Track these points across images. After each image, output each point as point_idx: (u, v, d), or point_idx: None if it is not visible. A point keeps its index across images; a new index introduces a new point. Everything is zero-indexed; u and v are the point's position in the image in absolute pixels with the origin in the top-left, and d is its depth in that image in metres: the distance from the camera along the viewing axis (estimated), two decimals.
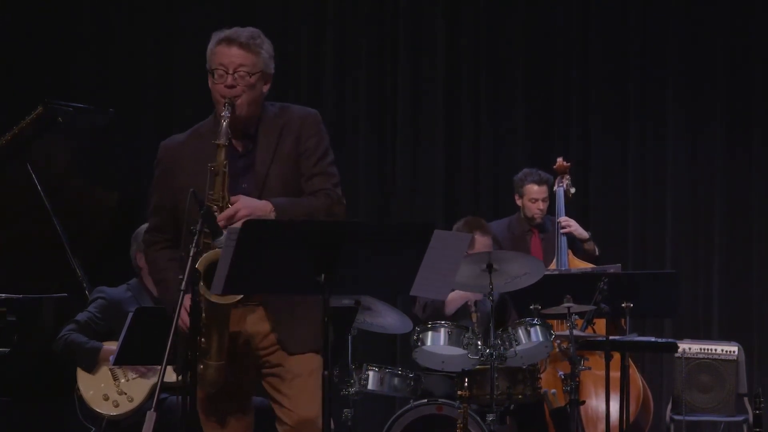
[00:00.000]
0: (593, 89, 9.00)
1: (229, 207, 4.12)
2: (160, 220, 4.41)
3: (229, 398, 4.31)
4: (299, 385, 4.25)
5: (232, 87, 4.24)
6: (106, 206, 7.29)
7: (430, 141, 9.11)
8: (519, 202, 7.75)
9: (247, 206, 4.12)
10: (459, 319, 6.82)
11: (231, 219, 4.08)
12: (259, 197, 4.21)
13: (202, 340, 4.12)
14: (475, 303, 6.93)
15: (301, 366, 4.26)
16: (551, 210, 7.67)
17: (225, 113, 4.19)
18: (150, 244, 4.45)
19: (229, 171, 4.19)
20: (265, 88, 4.34)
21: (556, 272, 7.08)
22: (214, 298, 4.03)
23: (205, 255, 4.06)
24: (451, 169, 9.10)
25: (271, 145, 4.30)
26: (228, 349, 4.17)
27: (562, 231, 7.45)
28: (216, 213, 4.11)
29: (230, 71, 4.24)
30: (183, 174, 4.29)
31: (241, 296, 4.11)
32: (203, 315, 4.07)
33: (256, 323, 4.26)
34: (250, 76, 4.25)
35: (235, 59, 4.25)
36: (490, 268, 6.25)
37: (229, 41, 4.27)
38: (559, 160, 7.74)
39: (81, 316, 6.28)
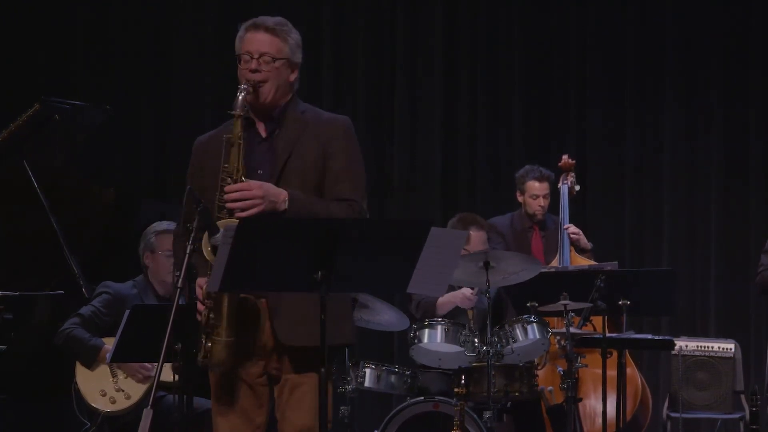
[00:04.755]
0: (590, 85, 9.01)
1: (243, 181, 4.12)
2: None
3: (238, 386, 4.28)
4: (298, 393, 4.24)
5: (255, 71, 4.24)
6: (103, 203, 7.28)
7: (428, 138, 9.11)
8: (520, 199, 7.73)
9: (262, 186, 4.11)
10: (455, 317, 6.82)
11: (242, 192, 4.06)
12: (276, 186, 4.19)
13: (211, 316, 4.10)
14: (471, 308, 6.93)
15: (303, 377, 4.24)
16: (555, 207, 7.65)
17: (244, 86, 4.20)
18: (179, 235, 4.36)
19: (249, 155, 4.20)
20: (292, 77, 4.31)
21: (553, 270, 7.08)
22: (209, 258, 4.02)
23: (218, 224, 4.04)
24: (448, 166, 9.10)
25: (293, 136, 4.27)
26: (237, 329, 4.14)
27: (569, 236, 7.42)
28: (229, 183, 4.10)
29: (255, 56, 4.25)
30: (208, 166, 4.27)
31: None
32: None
33: (257, 316, 4.23)
34: (275, 61, 4.25)
35: (260, 45, 4.26)
36: (486, 265, 6.27)
37: (255, 27, 4.30)
38: (564, 157, 7.71)
39: (85, 310, 6.27)
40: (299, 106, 4.35)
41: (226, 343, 4.12)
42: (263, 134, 4.31)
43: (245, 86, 4.21)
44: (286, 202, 4.12)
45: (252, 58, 4.25)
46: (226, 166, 4.14)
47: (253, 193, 4.08)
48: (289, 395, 4.26)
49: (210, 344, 4.11)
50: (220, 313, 4.11)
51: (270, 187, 4.13)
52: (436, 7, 9.14)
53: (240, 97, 4.18)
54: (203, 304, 4.11)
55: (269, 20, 4.32)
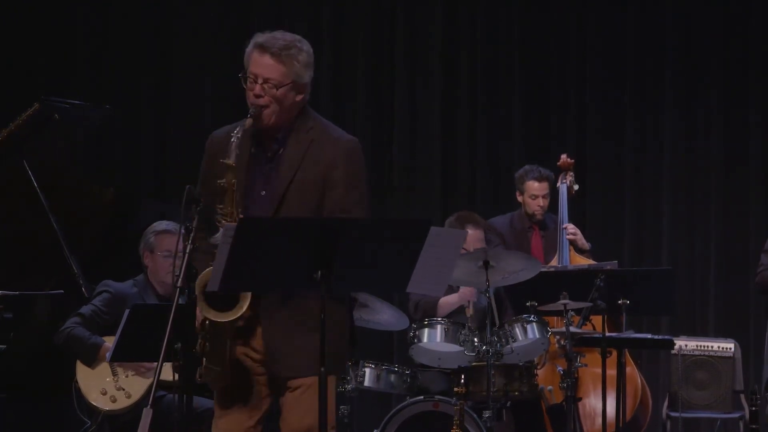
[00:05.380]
0: (590, 85, 9.01)
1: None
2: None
3: (239, 388, 4.31)
4: (299, 393, 4.25)
5: (258, 96, 4.22)
6: (103, 203, 7.28)
7: (428, 138, 9.11)
8: (520, 199, 7.73)
9: None
10: (455, 316, 6.82)
11: None
12: (276, 210, 4.19)
13: (207, 345, 4.14)
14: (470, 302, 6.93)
15: (302, 378, 4.24)
16: (554, 206, 7.65)
17: (237, 132, 4.16)
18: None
19: (254, 175, 4.21)
20: (299, 98, 4.27)
21: (553, 269, 7.08)
22: (212, 316, 4.06)
23: (202, 275, 4.06)
24: (448, 166, 9.10)
25: (297, 157, 4.25)
26: (231, 357, 4.19)
27: (566, 236, 7.43)
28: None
29: (259, 81, 4.22)
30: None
31: (241, 314, 4.11)
32: (207, 323, 4.10)
33: (256, 339, 4.25)
34: (278, 89, 4.21)
35: (264, 70, 4.21)
36: (486, 264, 6.26)
37: (262, 49, 4.24)
38: (563, 156, 7.71)
39: (85, 309, 6.28)
40: (308, 122, 4.31)
41: (222, 374, 4.19)
42: (269, 153, 4.30)
43: (238, 132, 4.15)
44: None
45: (255, 81, 4.23)
46: (221, 207, 4.14)
47: None
48: (289, 396, 4.27)
49: (206, 369, 4.17)
50: (213, 348, 4.15)
51: None
52: (436, 7, 9.14)
53: (234, 143, 4.14)
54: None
55: (278, 43, 4.24)
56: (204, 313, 4.06)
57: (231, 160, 4.13)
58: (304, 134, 4.28)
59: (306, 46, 4.30)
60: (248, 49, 4.28)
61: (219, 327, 4.13)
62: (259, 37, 4.27)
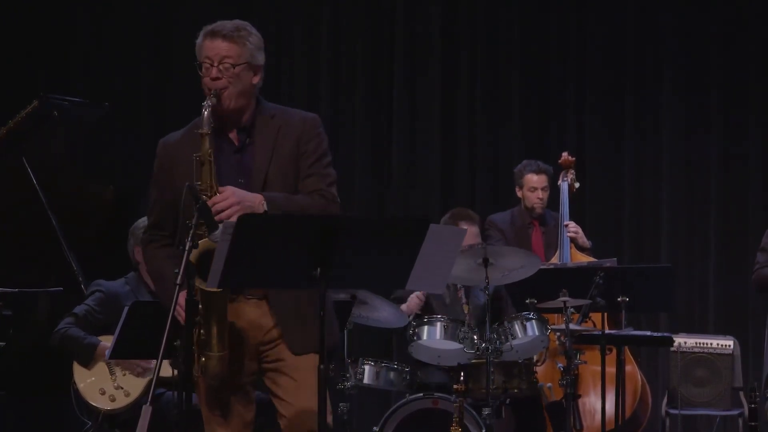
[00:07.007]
0: (589, 83, 9.02)
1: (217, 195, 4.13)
2: (158, 216, 4.39)
3: (231, 391, 4.30)
4: (299, 377, 4.25)
5: (216, 79, 4.26)
6: (102, 200, 7.29)
7: (427, 135, 9.12)
8: (519, 194, 7.74)
9: (236, 193, 4.12)
10: (454, 313, 6.83)
11: (219, 204, 4.07)
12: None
13: (202, 332, 4.11)
14: (466, 295, 6.93)
15: (302, 361, 4.25)
16: (555, 204, 7.66)
17: (207, 102, 4.21)
18: (148, 242, 4.43)
19: (225, 165, 4.21)
20: (255, 80, 4.33)
21: (552, 266, 7.08)
22: (204, 287, 4.03)
23: (200, 243, 4.05)
24: (447, 163, 9.11)
25: (269, 143, 4.30)
26: (229, 340, 4.16)
27: (567, 233, 7.44)
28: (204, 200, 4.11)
29: (215, 63, 4.27)
30: (181, 169, 4.28)
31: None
32: (200, 307, 4.08)
33: (258, 317, 4.25)
34: (234, 68, 4.26)
35: (219, 51, 4.27)
36: (485, 262, 6.27)
37: (213, 34, 4.31)
38: (564, 154, 7.73)
39: (79, 310, 6.28)
40: (265, 110, 4.38)
41: (219, 357, 4.15)
42: (236, 143, 4.33)
43: (209, 102, 4.21)
44: (264, 204, 4.14)
45: (212, 65, 4.27)
46: (199, 183, 4.15)
47: (229, 202, 4.09)
48: (288, 380, 4.26)
49: (204, 359, 4.13)
50: (209, 331, 4.12)
51: (244, 193, 4.15)
52: (436, 7, 9.14)
53: (205, 114, 4.18)
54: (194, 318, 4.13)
55: (227, 26, 4.33)
56: (198, 285, 4.04)
57: (205, 130, 4.16)
58: (270, 120, 4.34)
59: (254, 30, 4.39)
60: (198, 41, 4.35)
61: (212, 307, 4.10)
62: (207, 27, 4.36)
